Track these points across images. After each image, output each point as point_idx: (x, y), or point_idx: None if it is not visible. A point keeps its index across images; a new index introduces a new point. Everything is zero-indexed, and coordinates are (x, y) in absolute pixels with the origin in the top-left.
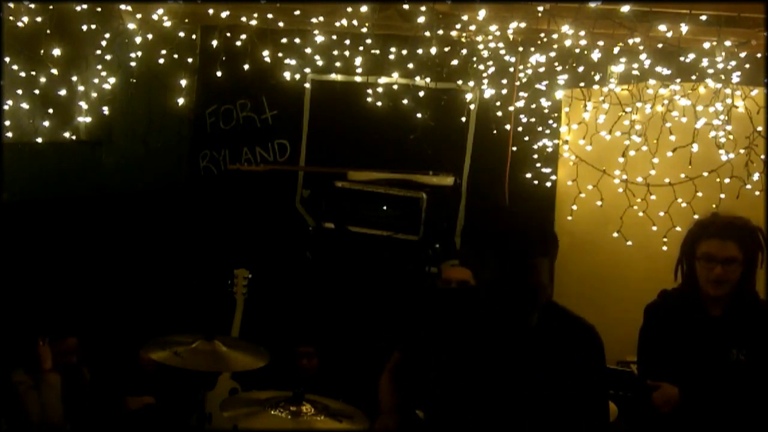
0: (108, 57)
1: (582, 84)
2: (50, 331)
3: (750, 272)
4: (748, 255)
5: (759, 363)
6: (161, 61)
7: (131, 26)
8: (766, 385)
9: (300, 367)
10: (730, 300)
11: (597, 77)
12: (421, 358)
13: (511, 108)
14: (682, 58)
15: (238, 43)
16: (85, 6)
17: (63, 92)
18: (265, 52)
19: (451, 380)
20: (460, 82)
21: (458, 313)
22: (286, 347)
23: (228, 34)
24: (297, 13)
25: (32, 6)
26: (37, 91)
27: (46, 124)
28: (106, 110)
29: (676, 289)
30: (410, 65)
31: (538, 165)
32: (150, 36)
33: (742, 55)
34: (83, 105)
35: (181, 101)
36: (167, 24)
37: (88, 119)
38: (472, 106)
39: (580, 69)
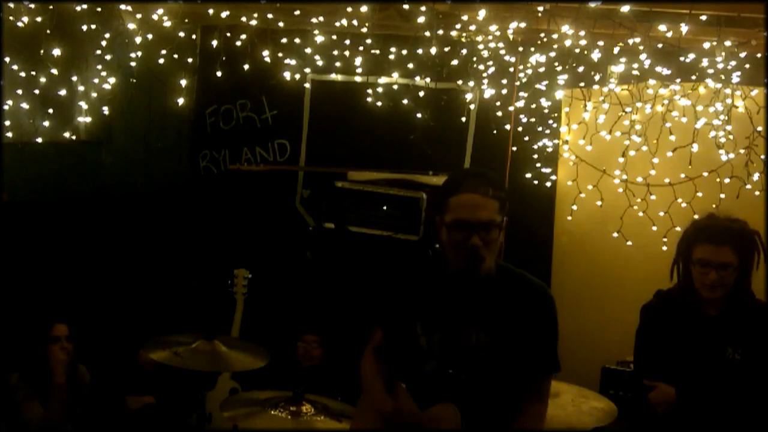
0: (108, 57)
1: (582, 84)
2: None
3: (745, 274)
4: (743, 259)
5: (754, 362)
6: (161, 61)
7: (131, 26)
8: (761, 384)
9: (303, 352)
10: (726, 300)
11: (597, 77)
12: (401, 326)
13: (511, 108)
14: (682, 58)
15: (238, 43)
16: (85, 6)
17: (63, 92)
18: (265, 52)
19: (432, 337)
20: (460, 82)
21: (432, 284)
22: (286, 344)
23: (228, 34)
24: (297, 13)
25: (32, 6)
26: (37, 91)
27: (46, 124)
28: (106, 110)
29: (671, 289)
30: (410, 65)
31: (538, 165)
32: (150, 36)
33: (742, 55)
34: (83, 105)
35: (181, 101)
36: (167, 24)
37: (88, 119)
38: (472, 106)
39: (580, 69)
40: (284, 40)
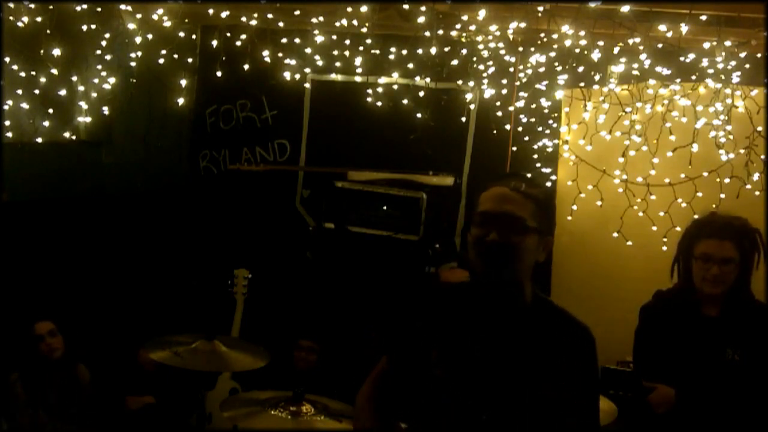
0: (108, 57)
1: (582, 84)
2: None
3: (746, 273)
4: (745, 256)
5: (754, 363)
6: (161, 61)
7: (131, 26)
8: (761, 385)
9: (298, 357)
10: (726, 300)
11: (597, 77)
12: (416, 357)
13: (511, 108)
14: (682, 58)
15: (238, 43)
16: (85, 6)
17: (63, 92)
18: (265, 52)
19: (451, 368)
20: (460, 82)
21: (453, 305)
22: (285, 344)
23: (228, 34)
24: (297, 13)
25: (32, 6)
26: (37, 91)
27: (46, 124)
28: (106, 110)
29: (671, 289)
30: (410, 65)
31: (538, 165)
32: (150, 36)
33: (742, 55)
34: (83, 105)
35: (181, 101)
36: (167, 24)
37: (88, 119)
38: (472, 106)
39: (580, 69)
40: (284, 40)
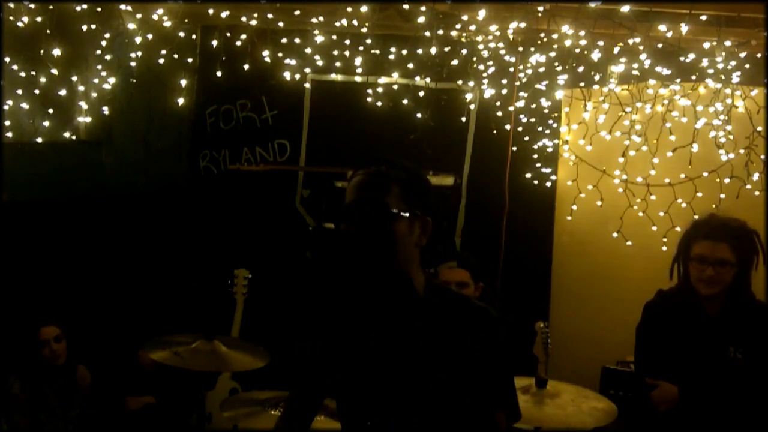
0: (108, 57)
1: (582, 84)
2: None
3: (744, 274)
4: (741, 257)
5: (755, 362)
6: (161, 61)
7: (131, 26)
8: (763, 383)
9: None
10: (726, 300)
11: (597, 77)
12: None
13: (511, 108)
14: (682, 58)
15: (238, 43)
16: (85, 6)
17: (63, 92)
18: (265, 52)
19: (341, 353)
20: (460, 82)
21: (346, 302)
22: (285, 344)
23: (228, 34)
24: (297, 13)
25: (32, 6)
26: (37, 91)
27: (46, 124)
28: (106, 110)
29: (672, 289)
30: (410, 65)
31: (538, 165)
32: (150, 36)
33: (742, 55)
34: (83, 105)
35: (181, 101)
36: (167, 24)
37: (88, 119)
38: (472, 106)
39: (580, 69)
40: (284, 40)
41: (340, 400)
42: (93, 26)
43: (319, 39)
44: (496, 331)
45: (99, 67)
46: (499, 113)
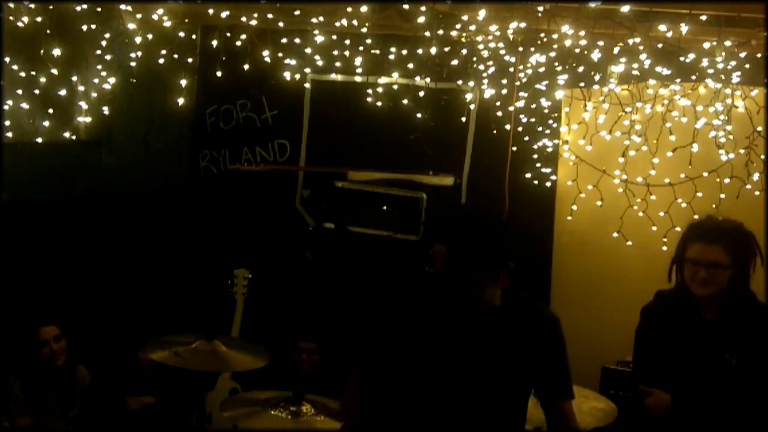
0: (108, 57)
1: (582, 84)
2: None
3: (741, 276)
4: (736, 259)
5: (752, 367)
6: (161, 61)
7: (131, 26)
8: (758, 389)
9: (300, 361)
10: (724, 303)
11: (597, 77)
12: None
13: (511, 108)
14: (682, 58)
15: (238, 43)
16: (85, 6)
17: (63, 92)
18: (265, 52)
19: (417, 359)
20: (460, 82)
21: (420, 300)
22: (286, 345)
23: (228, 34)
24: (297, 13)
25: (32, 6)
26: (37, 91)
27: (46, 124)
28: (106, 110)
29: (670, 290)
30: (410, 65)
31: (538, 165)
32: (150, 36)
33: (742, 55)
34: (83, 105)
35: (181, 101)
36: (167, 24)
37: (88, 119)
38: (472, 106)
39: (580, 69)
40: (284, 40)
41: (405, 405)
42: (93, 26)
43: (319, 39)
44: (560, 329)
45: (99, 67)
46: (499, 113)
